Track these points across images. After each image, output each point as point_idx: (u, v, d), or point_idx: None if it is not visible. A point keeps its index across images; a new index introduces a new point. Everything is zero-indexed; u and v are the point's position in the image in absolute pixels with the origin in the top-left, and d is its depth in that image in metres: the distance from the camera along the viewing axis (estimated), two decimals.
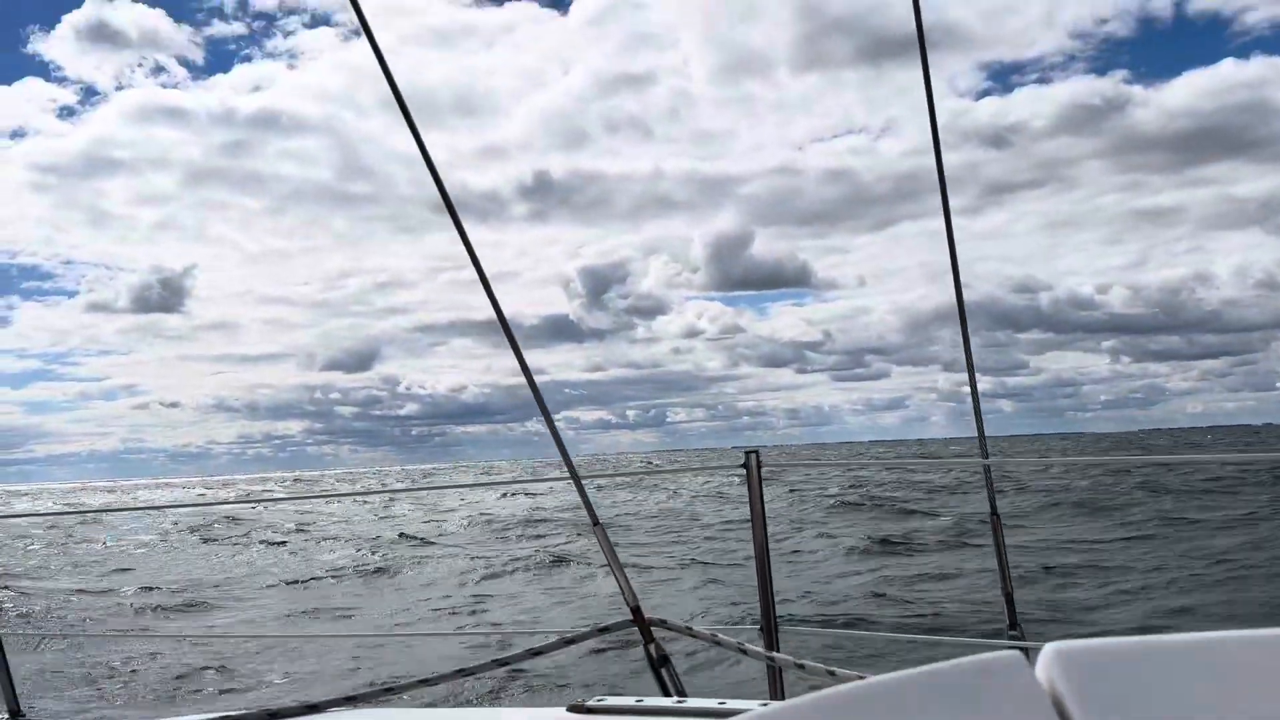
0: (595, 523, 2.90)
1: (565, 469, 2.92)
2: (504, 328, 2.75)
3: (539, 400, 2.81)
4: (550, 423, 2.87)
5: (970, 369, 3.34)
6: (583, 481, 2.95)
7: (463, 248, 2.73)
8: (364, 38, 2.53)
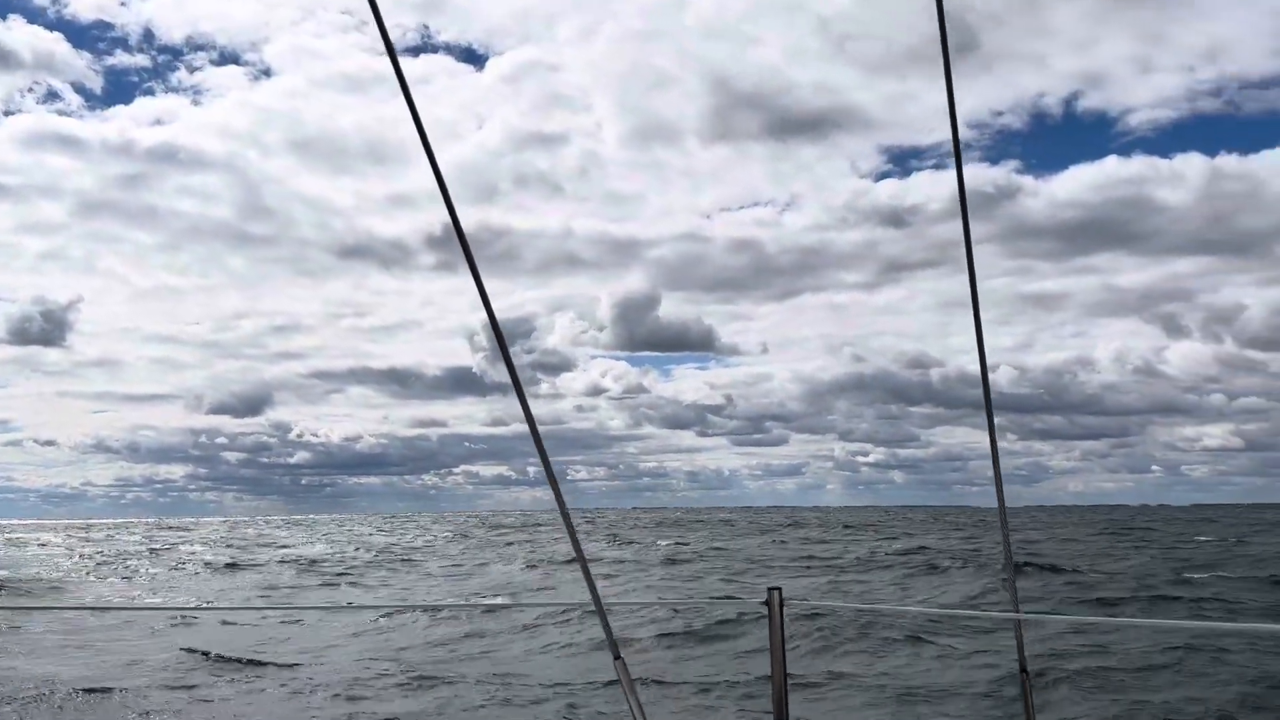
0: (617, 656, 2.77)
1: (590, 597, 2.79)
2: (515, 383, 2.62)
3: (559, 498, 2.80)
4: (573, 536, 2.77)
5: (1000, 497, 3.13)
6: (606, 611, 2.79)
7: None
8: (385, 57, 2.39)
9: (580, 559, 2.76)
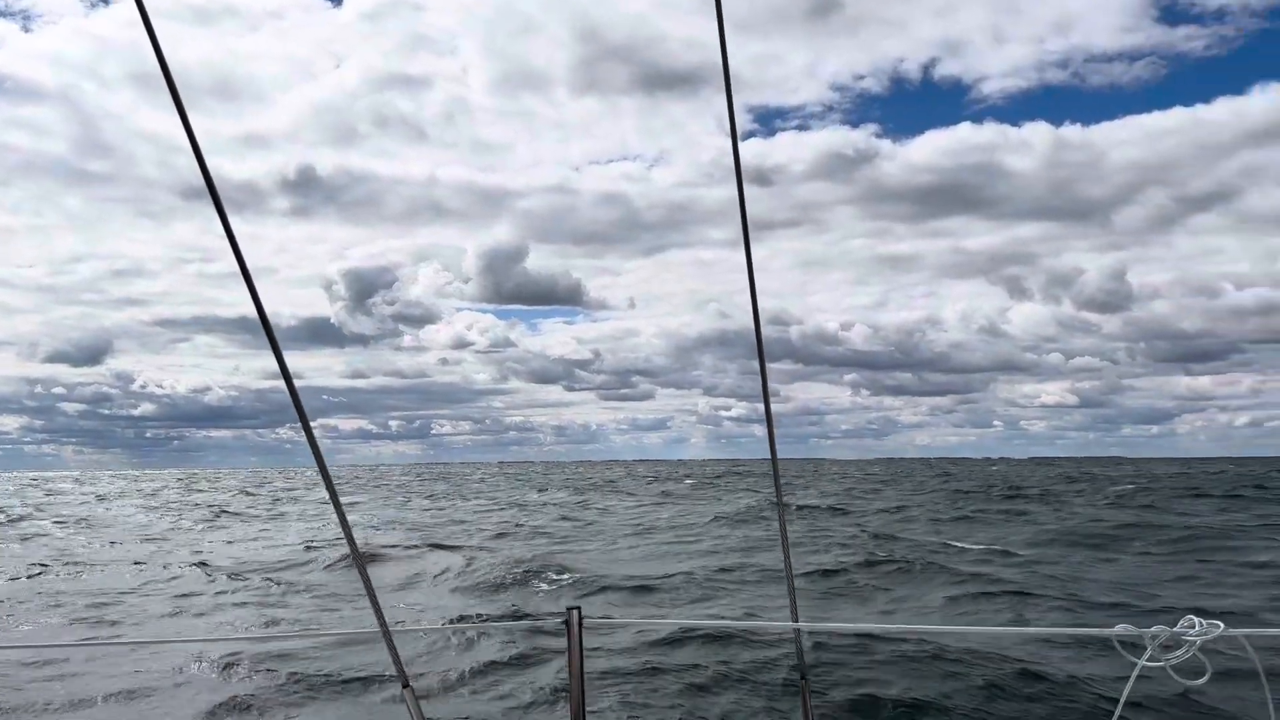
0: (405, 684, 2.68)
1: (377, 622, 2.67)
2: (265, 328, 2.62)
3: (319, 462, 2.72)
4: (338, 506, 2.76)
5: (780, 516, 3.43)
6: (394, 636, 2.72)
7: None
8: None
9: (363, 577, 2.58)
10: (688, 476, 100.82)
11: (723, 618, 14.72)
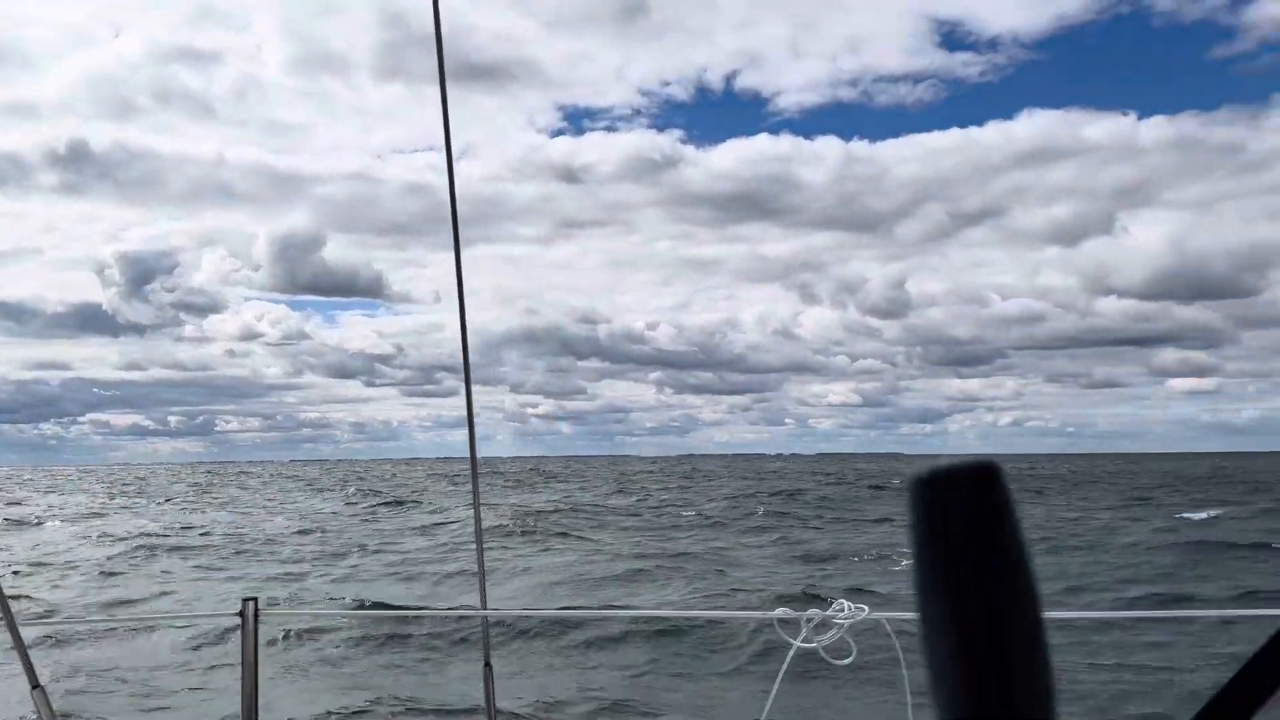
0: (35, 685, 2.53)
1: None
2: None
3: None
4: None
5: (476, 510, 3.57)
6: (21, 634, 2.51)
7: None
8: None
9: None
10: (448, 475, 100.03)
11: (407, 606, 14.67)
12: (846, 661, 2.83)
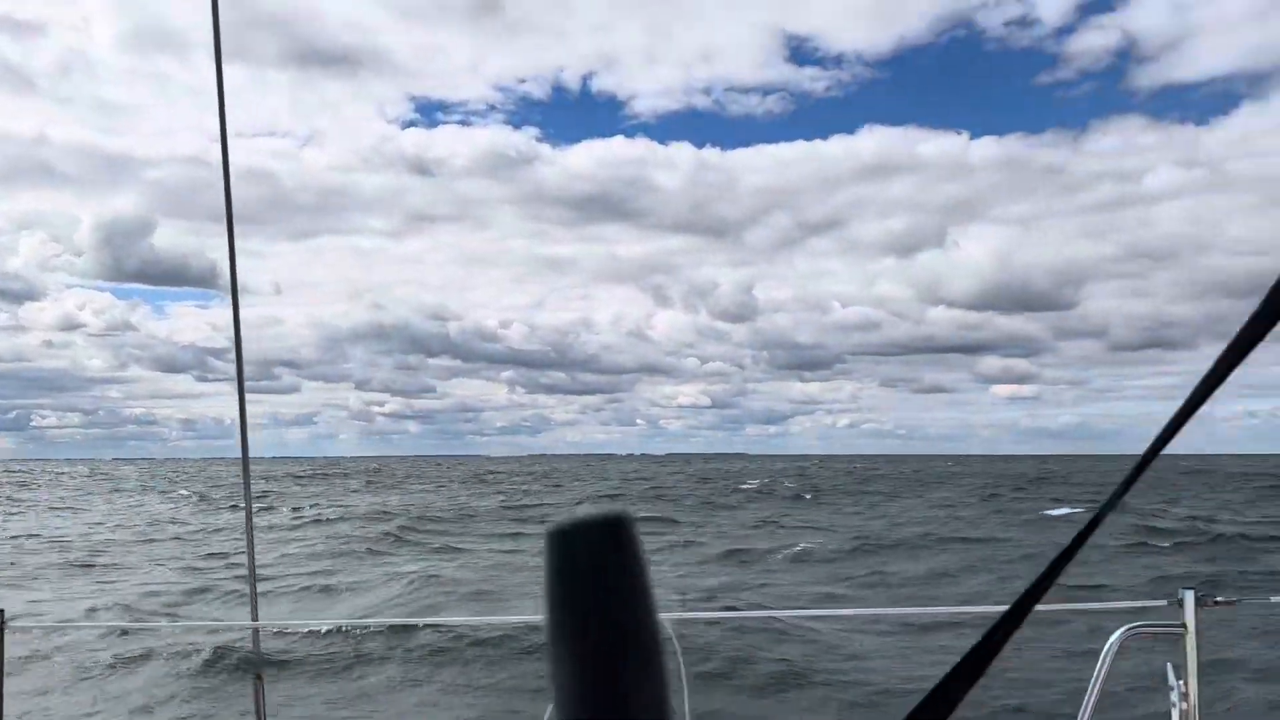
0: None
1: None
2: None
3: None
4: None
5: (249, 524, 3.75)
6: None
7: None
8: None
9: None
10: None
11: (178, 619, 13.83)
12: None
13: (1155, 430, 0.70)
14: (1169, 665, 2.75)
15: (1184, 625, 2.80)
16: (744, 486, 62.75)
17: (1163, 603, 2.96)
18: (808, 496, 54.05)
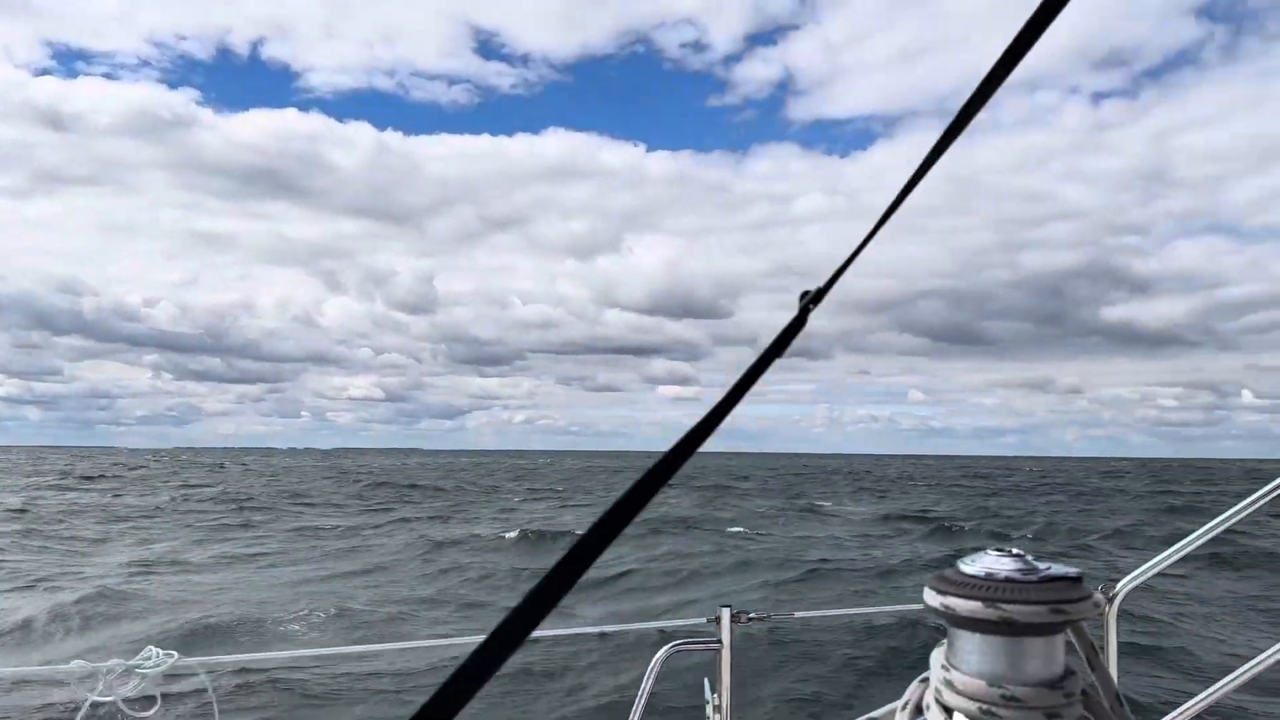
0: None
1: None
2: None
3: None
4: None
5: None
6: None
7: None
8: None
9: None
10: None
11: None
12: (150, 714, 2.63)
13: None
14: (705, 679, 2.96)
15: (720, 641, 3.02)
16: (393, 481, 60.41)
17: (704, 620, 3.16)
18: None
